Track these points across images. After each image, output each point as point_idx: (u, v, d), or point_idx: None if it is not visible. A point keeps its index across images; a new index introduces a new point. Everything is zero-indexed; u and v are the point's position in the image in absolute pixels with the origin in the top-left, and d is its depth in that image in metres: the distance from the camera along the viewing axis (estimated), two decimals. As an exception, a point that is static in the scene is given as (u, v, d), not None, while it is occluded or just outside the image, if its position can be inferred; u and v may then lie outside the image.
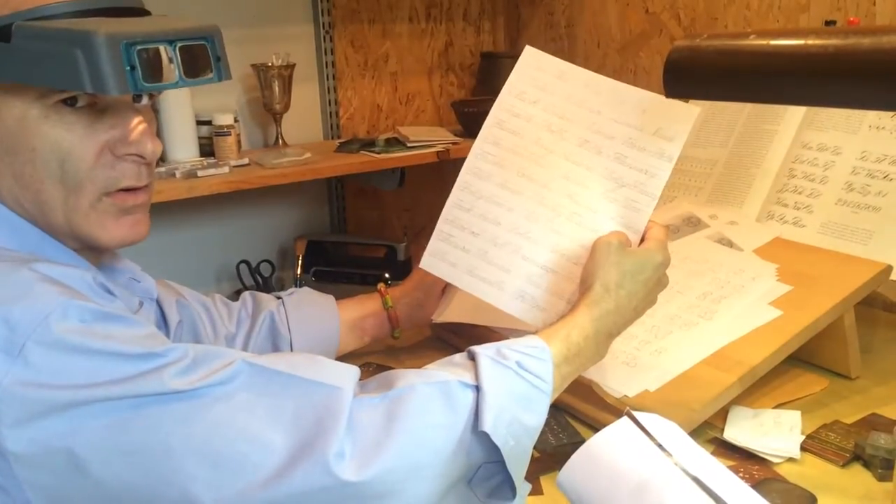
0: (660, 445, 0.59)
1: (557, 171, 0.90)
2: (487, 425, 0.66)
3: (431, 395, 0.67)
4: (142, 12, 0.69)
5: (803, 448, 0.88)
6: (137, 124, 0.69)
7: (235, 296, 1.06)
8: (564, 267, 0.88)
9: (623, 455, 0.60)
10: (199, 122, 1.55)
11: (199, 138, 1.55)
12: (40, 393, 0.56)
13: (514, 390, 0.70)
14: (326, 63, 1.79)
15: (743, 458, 0.87)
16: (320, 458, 0.59)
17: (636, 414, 0.62)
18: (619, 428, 0.62)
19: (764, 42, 0.73)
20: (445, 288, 1.10)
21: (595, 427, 0.89)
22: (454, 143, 1.68)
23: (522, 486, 0.70)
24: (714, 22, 1.56)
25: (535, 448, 0.73)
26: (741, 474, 0.83)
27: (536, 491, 0.83)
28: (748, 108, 1.34)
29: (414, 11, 1.92)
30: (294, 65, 1.63)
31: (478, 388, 0.68)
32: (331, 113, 1.82)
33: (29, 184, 0.67)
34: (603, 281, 0.82)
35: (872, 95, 0.66)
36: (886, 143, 1.16)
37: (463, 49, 2.02)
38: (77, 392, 0.57)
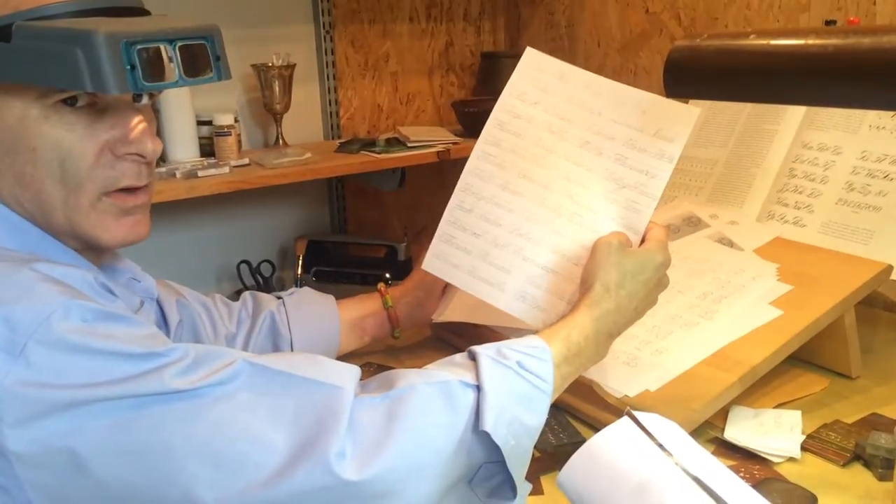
0: (660, 445, 0.59)
1: (558, 172, 0.90)
2: (488, 425, 0.66)
3: (432, 394, 0.67)
4: (142, 12, 0.69)
5: (804, 448, 0.88)
6: (137, 124, 0.69)
7: (236, 296, 1.06)
8: (565, 267, 0.88)
9: (623, 455, 0.60)
10: (200, 122, 1.55)
11: (200, 138, 1.55)
12: (42, 393, 0.56)
13: (514, 390, 0.70)
14: (327, 63, 1.79)
15: (743, 458, 0.87)
16: (321, 458, 0.59)
17: (637, 414, 0.62)
18: (620, 428, 0.62)
19: (764, 42, 0.73)
20: (446, 288, 1.10)
21: (596, 427, 0.89)
22: (454, 143, 1.68)
23: (523, 486, 0.71)
24: (714, 22, 1.56)
25: (535, 448, 0.73)
26: (742, 474, 0.83)
27: (537, 491, 0.83)
28: (748, 107, 1.34)
29: (414, 11, 1.92)
30: (294, 65, 1.63)
31: (478, 388, 0.68)
32: (331, 113, 1.82)
33: (29, 184, 0.67)
34: (603, 281, 0.82)
35: (872, 95, 0.66)
36: (887, 142, 1.16)
37: (463, 49, 2.02)
38: (78, 392, 0.57)
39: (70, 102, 0.65)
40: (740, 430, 0.91)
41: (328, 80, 1.80)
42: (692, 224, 1.22)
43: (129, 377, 0.58)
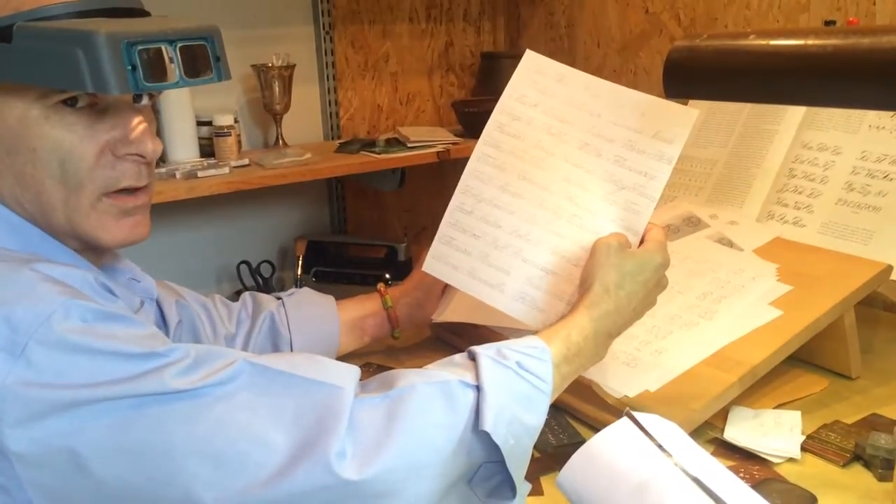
0: (660, 446, 0.59)
1: (557, 174, 0.90)
2: (488, 424, 0.66)
3: (432, 394, 0.67)
4: (142, 13, 0.69)
5: (804, 448, 0.88)
6: (138, 124, 0.69)
7: (236, 296, 1.06)
8: (564, 269, 0.88)
9: (623, 455, 0.60)
10: (200, 123, 1.55)
11: (200, 139, 1.55)
12: (42, 393, 0.57)
13: (514, 390, 0.70)
14: (327, 63, 1.79)
15: (743, 459, 0.87)
16: (321, 458, 0.60)
17: (636, 414, 0.62)
18: (620, 428, 0.62)
19: (764, 42, 0.73)
20: (445, 288, 1.10)
21: (595, 427, 0.89)
22: (454, 144, 1.68)
23: (522, 486, 0.71)
24: (714, 22, 1.56)
25: (535, 448, 0.73)
26: (741, 474, 0.83)
27: (537, 491, 0.83)
28: (748, 107, 1.34)
29: (414, 12, 1.92)
30: (294, 65, 1.63)
31: (478, 388, 0.68)
32: (331, 113, 1.82)
33: (30, 184, 0.67)
34: (602, 282, 0.82)
35: (872, 95, 0.66)
36: (886, 142, 1.16)
37: (463, 49, 2.02)
38: (79, 392, 0.57)
39: (70, 103, 0.65)
40: (740, 430, 0.91)
41: (328, 80, 1.80)
42: (692, 224, 1.22)
43: (130, 377, 0.58)
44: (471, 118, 1.76)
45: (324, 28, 1.76)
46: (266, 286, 1.63)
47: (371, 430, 0.63)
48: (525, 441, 0.70)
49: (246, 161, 1.52)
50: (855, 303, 1.00)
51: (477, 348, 0.73)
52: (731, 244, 1.16)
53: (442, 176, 1.87)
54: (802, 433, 0.90)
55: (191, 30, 0.65)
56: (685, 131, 0.87)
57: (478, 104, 1.80)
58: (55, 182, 0.67)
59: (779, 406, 0.97)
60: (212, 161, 1.51)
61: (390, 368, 0.73)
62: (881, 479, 0.83)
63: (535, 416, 0.71)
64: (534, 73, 0.94)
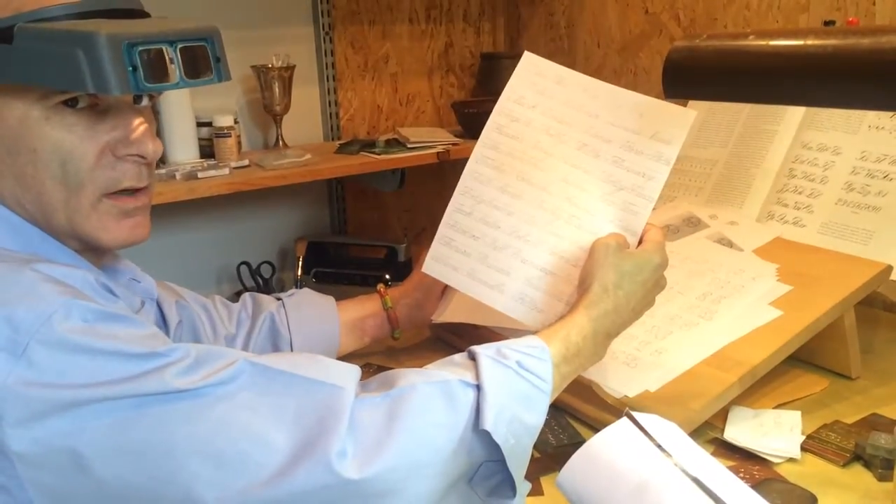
0: (659, 446, 0.59)
1: (556, 175, 0.90)
2: (488, 423, 0.66)
3: (432, 394, 0.67)
4: (142, 14, 0.69)
5: (804, 448, 0.88)
6: (139, 125, 0.69)
7: (236, 297, 1.06)
8: (563, 269, 0.88)
9: (623, 456, 0.60)
10: (200, 124, 1.55)
11: (200, 140, 1.55)
12: (43, 392, 0.57)
13: (514, 389, 0.70)
14: (326, 64, 1.79)
15: (743, 459, 0.87)
16: (322, 457, 0.60)
17: (636, 414, 0.63)
18: (619, 428, 0.62)
19: (763, 42, 0.73)
20: (445, 289, 1.10)
21: (595, 427, 0.89)
22: (454, 144, 1.68)
23: (522, 485, 0.71)
24: (714, 22, 1.56)
25: (535, 448, 0.73)
26: (741, 474, 0.83)
27: (537, 491, 0.83)
28: (748, 108, 1.34)
29: (414, 12, 1.92)
30: (294, 66, 1.63)
31: (478, 388, 0.69)
32: (331, 114, 1.82)
33: (30, 185, 0.67)
34: (601, 282, 0.82)
35: (872, 95, 0.66)
36: (886, 142, 1.16)
37: (463, 50, 2.03)
38: (80, 391, 0.57)
39: (71, 104, 0.66)
40: (740, 430, 0.91)
41: (328, 81, 1.80)
42: (692, 224, 1.23)
43: (131, 377, 0.59)
44: (471, 119, 1.76)
45: (324, 29, 1.77)
46: (266, 287, 1.63)
47: (372, 429, 0.63)
48: (525, 440, 0.70)
49: (246, 162, 1.52)
50: (855, 303, 1.00)
51: (477, 348, 0.73)
52: (730, 244, 1.16)
53: (442, 177, 1.87)
54: (802, 433, 0.90)
55: (191, 31, 0.65)
56: (683, 132, 0.87)
57: (478, 105, 1.80)
58: (56, 183, 0.67)
59: (779, 406, 0.97)
60: (212, 162, 1.51)
61: (390, 369, 0.73)
62: (881, 479, 0.83)
63: (536, 416, 0.71)
64: (532, 75, 0.95)
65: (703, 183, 1.34)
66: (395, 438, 0.63)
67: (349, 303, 1.08)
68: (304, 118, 1.78)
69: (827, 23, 1.28)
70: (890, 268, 1.03)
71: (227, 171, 1.45)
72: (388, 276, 1.55)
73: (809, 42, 0.68)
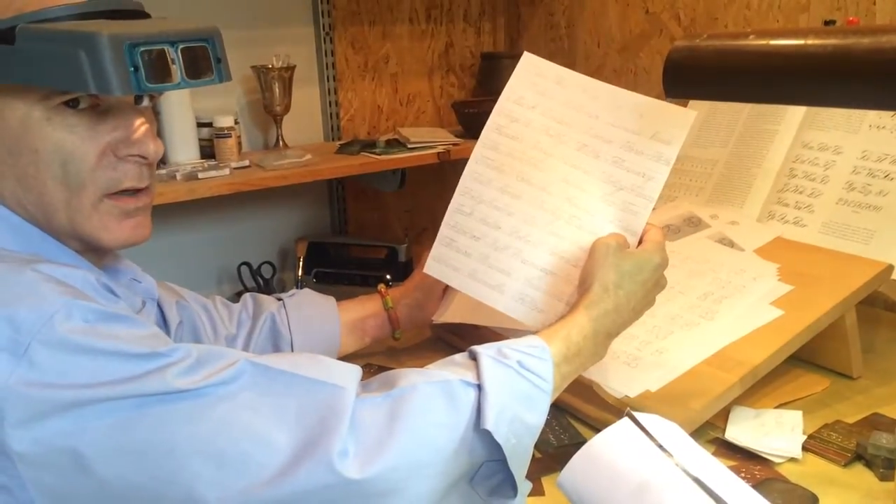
0: (660, 446, 0.59)
1: (556, 175, 0.90)
2: (489, 423, 0.66)
3: (433, 393, 0.67)
4: (142, 15, 0.69)
5: (805, 448, 0.88)
6: (140, 125, 0.69)
7: (236, 297, 1.06)
8: (563, 269, 0.88)
9: (624, 456, 0.60)
10: (200, 124, 1.55)
11: (200, 140, 1.55)
12: (45, 393, 0.57)
13: (515, 389, 0.70)
14: (327, 65, 1.79)
15: (744, 459, 0.87)
16: (324, 457, 0.60)
17: (637, 414, 0.62)
18: (620, 429, 0.62)
19: (763, 42, 0.73)
20: (446, 289, 1.10)
21: (596, 428, 0.89)
22: (455, 144, 1.68)
23: (523, 485, 0.71)
24: (714, 22, 1.56)
25: (536, 448, 0.73)
26: (742, 474, 0.83)
27: (538, 491, 0.83)
28: (748, 107, 1.34)
29: (414, 13, 1.92)
30: (294, 66, 1.63)
31: (479, 387, 0.69)
32: (331, 114, 1.83)
33: (32, 185, 0.67)
34: (602, 282, 0.82)
35: (872, 95, 0.66)
36: (887, 142, 1.16)
37: (463, 50, 2.03)
38: (81, 392, 0.57)
39: (72, 104, 0.66)
40: (741, 430, 0.91)
41: (328, 81, 1.80)
42: (692, 224, 1.22)
43: (132, 377, 0.59)
44: (471, 119, 1.76)
45: (324, 29, 1.77)
46: (267, 287, 1.63)
47: (373, 429, 0.63)
48: (526, 440, 0.70)
49: (246, 162, 1.52)
50: (856, 302, 1.00)
51: (477, 348, 0.73)
52: (731, 244, 1.16)
53: (442, 177, 1.87)
54: (804, 433, 0.90)
55: (192, 31, 0.65)
56: (683, 132, 0.87)
57: (478, 105, 1.80)
58: (57, 183, 0.67)
59: (780, 406, 0.97)
60: (212, 162, 1.51)
61: (391, 369, 0.73)
62: (882, 478, 0.83)
63: (536, 416, 0.71)
64: (532, 76, 0.95)
65: (703, 183, 1.34)
66: (397, 438, 0.63)
67: (350, 303, 1.08)
68: (304, 118, 1.79)
69: (827, 22, 1.28)
70: (891, 267, 1.03)
71: (227, 171, 1.45)
72: (388, 277, 1.55)
73: (810, 42, 0.68)
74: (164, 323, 0.91)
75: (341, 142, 1.76)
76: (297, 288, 1.15)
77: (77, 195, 0.68)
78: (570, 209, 0.89)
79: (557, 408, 0.97)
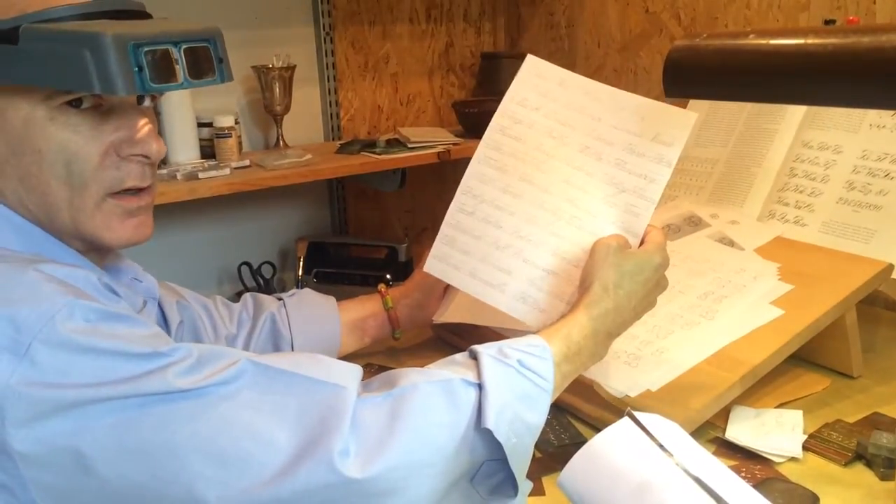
0: (661, 446, 0.59)
1: (558, 176, 0.90)
2: (490, 422, 0.66)
3: (434, 393, 0.67)
4: (143, 15, 0.69)
5: (805, 447, 0.88)
6: (143, 125, 0.69)
7: (237, 297, 1.06)
8: (565, 269, 0.88)
9: (624, 455, 0.60)
10: (200, 124, 1.55)
11: (200, 140, 1.55)
12: (46, 393, 0.57)
13: (516, 388, 0.71)
14: (327, 64, 1.79)
15: (745, 458, 0.87)
16: (325, 456, 0.60)
17: (637, 414, 0.62)
18: (621, 428, 0.62)
19: (763, 41, 0.73)
20: (447, 289, 1.10)
21: (597, 427, 0.89)
22: (455, 144, 1.68)
23: (524, 484, 0.71)
24: (714, 21, 1.56)
25: (536, 448, 0.73)
26: (743, 474, 0.83)
27: (538, 491, 0.83)
28: (748, 107, 1.34)
29: (414, 12, 1.92)
30: (295, 66, 1.63)
31: (480, 387, 0.69)
32: (331, 114, 1.83)
33: (35, 185, 0.67)
34: (602, 281, 0.82)
35: (872, 94, 0.66)
36: (887, 141, 1.16)
37: (463, 50, 2.03)
38: (83, 391, 0.57)
39: (75, 104, 0.66)
40: (741, 429, 0.91)
41: (328, 81, 1.80)
42: (693, 224, 1.22)
43: (134, 377, 0.59)
44: (471, 119, 1.76)
45: (324, 29, 1.77)
46: (267, 287, 1.63)
47: (374, 428, 0.63)
48: (527, 439, 0.70)
49: (247, 162, 1.52)
50: (856, 302, 1.00)
51: (478, 347, 0.73)
52: (732, 243, 1.16)
53: (443, 176, 1.87)
54: (804, 432, 0.90)
55: (195, 31, 0.65)
56: (684, 134, 0.88)
57: (478, 105, 1.80)
58: (60, 183, 0.67)
59: (780, 405, 0.97)
60: (212, 162, 1.51)
61: (392, 369, 0.73)
62: (883, 478, 0.83)
63: (537, 415, 0.71)
64: (535, 78, 0.95)
65: (704, 182, 1.34)
66: (397, 437, 0.63)
67: (350, 303, 1.09)
68: (304, 118, 1.79)
69: (827, 22, 1.28)
70: (891, 266, 1.03)
71: (227, 171, 1.45)
72: (388, 277, 1.55)
73: (810, 41, 0.68)
74: (164, 323, 0.91)
75: (341, 142, 1.76)
76: (297, 288, 1.15)
77: (80, 195, 0.68)
78: (571, 210, 0.89)
79: (558, 407, 0.97)
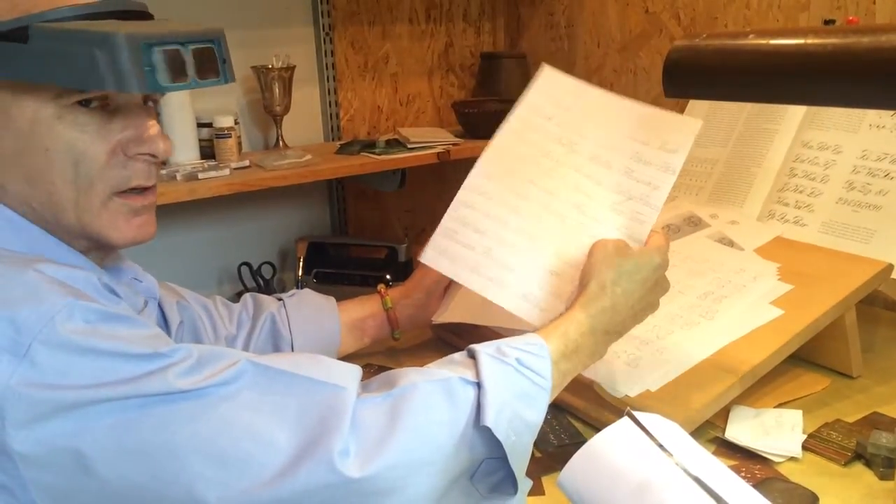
0: (660, 445, 0.60)
1: (567, 183, 0.92)
2: (489, 420, 0.67)
3: (433, 391, 0.67)
4: (146, 16, 0.69)
5: (805, 447, 0.88)
6: (151, 125, 0.70)
7: (237, 297, 1.06)
8: (566, 271, 0.88)
9: (624, 455, 0.60)
10: (200, 125, 1.55)
11: (200, 140, 1.55)
12: (46, 393, 0.57)
13: (514, 387, 0.71)
14: (326, 65, 1.79)
15: (744, 458, 0.87)
16: (325, 456, 0.60)
17: (637, 414, 0.63)
18: (620, 428, 0.62)
19: (763, 41, 0.73)
20: (446, 289, 1.10)
21: (597, 427, 0.89)
22: (455, 144, 1.68)
23: (524, 482, 0.71)
24: (714, 21, 1.56)
25: (536, 448, 0.73)
26: (743, 474, 0.83)
27: (538, 491, 0.83)
28: (748, 107, 1.34)
29: (414, 12, 1.92)
30: (294, 66, 1.63)
31: (479, 385, 0.69)
32: (331, 114, 1.83)
33: (41, 184, 0.67)
34: (599, 280, 0.82)
35: (872, 94, 0.66)
36: (887, 141, 1.16)
37: (463, 50, 2.02)
38: (83, 392, 0.57)
39: (84, 103, 0.66)
40: (741, 429, 0.91)
41: (328, 81, 1.80)
42: (692, 224, 1.23)
43: (134, 377, 0.59)
44: (471, 119, 1.76)
45: (324, 29, 1.77)
46: (267, 287, 1.63)
47: (374, 428, 0.63)
48: (526, 437, 0.70)
49: (246, 163, 1.52)
50: (856, 302, 1.00)
51: (476, 346, 0.74)
52: (731, 243, 1.16)
53: (442, 177, 1.87)
54: (804, 432, 0.90)
55: (201, 32, 0.66)
56: (689, 141, 0.89)
57: (478, 105, 1.80)
58: (67, 182, 0.67)
59: (780, 405, 0.97)
60: (212, 163, 1.51)
61: (391, 369, 0.73)
62: (882, 477, 0.83)
63: (536, 413, 0.71)
64: (550, 88, 0.97)
65: (703, 182, 1.34)
66: (397, 437, 0.63)
67: (349, 303, 1.09)
68: (304, 119, 1.79)
69: (827, 22, 1.28)
70: (891, 266, 1.03)
71: (227, 171, 1.45)
72: (388, 277, 1.55)
73: (810, 41, 0.68)
74: (164, 323, 0.91)
75: (341, 142, 1.76)
76: (297, 288, 1.15)
77: (86, 194, 0.68)
78: (578, 216, 0.90)
79: (557, 407, 0.97)
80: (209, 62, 0.66)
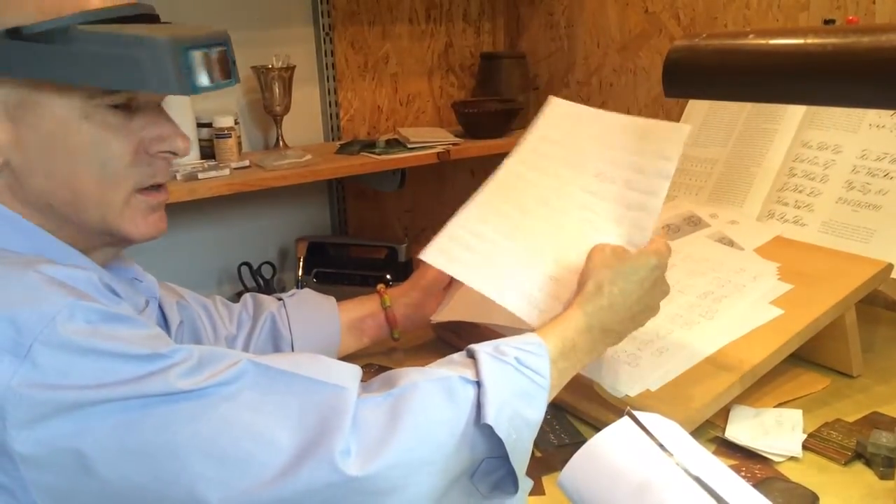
0: (661, 445, 0.60)
1: (574, 202, 0.95)
2: (490, 418, 0.67)
3: (433, 391, 0.68)
4: (155, 18, 0.70)
5: (805, 447, 0.88)
6: (171, 124, 0.72)
7: (236, 297, 1.06)
8: (566, 277, 0.90)
9: (624, 455, 0.60)
10: (200, 125, 1.55)
11: (200, 140, 1.55)
12: (47, 394, 0.57)
13: (514, 385, 0.71)
14: (326, 65, 1.79)
15: (744, 458, 0.87)
16: (326, 456, 0.60)
17: (637, 413, 0.63)
18: (620, 428, 0.62)
19: (763, 41, 0.73)
20: (446, 288, 1.10)
21: (597, 427, 0.89)
22: (454, 144, 1.68)
23: (524, 481, 0.71)
24: (713, 21, 1.56)
25: (536, 448, 0.73)
26: (743, 473, 0.83)
27: (538, 491, 0.83)
28: (748, 107, 1.34)
29: (414, 13, 1.92)
30: (294, 66, 1.63)
31: (479, 384, 0.69)
32: (331, 114, 1.83)
33: (64, 181, 0.68)
34: (596, 280, 0.83)
35: (871, 94, 0.66)
36: (887, 141, 1.16)
37: (463, 50, 2.02)
38: (84, 393, 0.57)
39: (112, 104, 0.67)
40: (741, 429, 0.91)
41: (328, 81, 1.80)
42: (692, 223, 1.23)
43: (135, 378, 0.59)
44: (471, 119, 1.76)
45: (323, 29, 1.77)
46: (267, 287, 1.63)
47: (375, 428, 0.64)
48: (526, 435, 0.71)
49: (246, 163, 1.52)
50: (856, 301, 1.00)
51: (475, 346, 0.74)
52: (731, 243, 1.16)
53: (442, 177, 1.87)
54: (804, 432, 0.90)
55: (217, 34, 0.67)
56: (679, 147, 0.91)
57: (478, 105, 1.80)
58: (92, 180, 0.68)
59: (780, 405, 0.97)
60: (212, 163, 1.51)
61: (391, 369, 0.73)
62: (882, 477, 0.83)
63: (535, 411, 0.71)
64: (557, 118, 1.03)
65: (703, 182, 1.34)
66: (398, 436, 0.63)
67: (349, 303, 1.09)
68: (304, 119, 1.79)
69: (827, 21, 1.28)
70: (891, 266, 1.03)
71: (227, 171, 1.46)
72: (388, 277, 1.55)
73: (809, 41, 0.68)
74: (164, 323, 0.91)
75: (341, 142, 1.76)
76: (297, 288, 1.15)
77: (112, 191, 0.69)
78: (581, 228, 0.93)
79: (557, 407, 0.97)
80: (223, 64, 0.67)
